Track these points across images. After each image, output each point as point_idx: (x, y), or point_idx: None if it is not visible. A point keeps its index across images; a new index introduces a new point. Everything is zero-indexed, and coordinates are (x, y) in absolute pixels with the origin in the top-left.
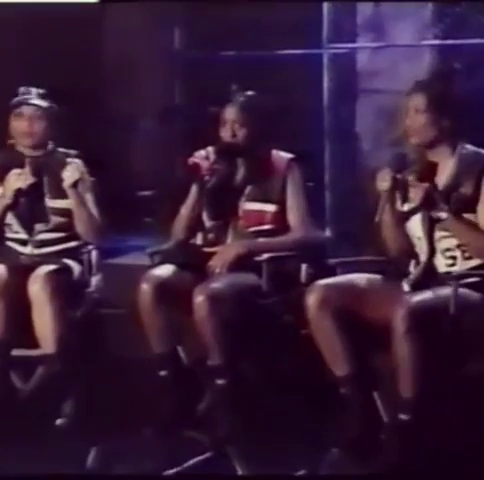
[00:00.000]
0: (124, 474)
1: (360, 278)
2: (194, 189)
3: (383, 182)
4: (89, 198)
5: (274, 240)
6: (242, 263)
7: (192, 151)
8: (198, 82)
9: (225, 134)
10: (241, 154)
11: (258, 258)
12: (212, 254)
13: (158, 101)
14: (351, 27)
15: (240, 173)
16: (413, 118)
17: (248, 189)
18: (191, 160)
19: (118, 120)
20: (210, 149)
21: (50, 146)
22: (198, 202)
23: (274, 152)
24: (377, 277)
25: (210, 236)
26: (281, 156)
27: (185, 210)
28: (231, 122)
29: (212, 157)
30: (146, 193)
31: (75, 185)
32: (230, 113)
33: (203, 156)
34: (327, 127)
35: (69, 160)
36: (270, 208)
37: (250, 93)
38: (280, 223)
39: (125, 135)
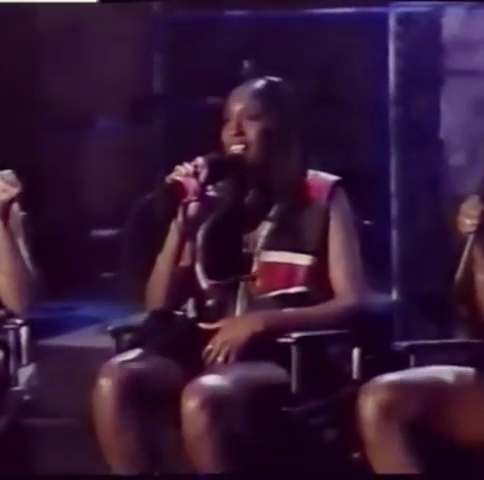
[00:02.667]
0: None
1: (444, 373)
2: (177, 227)
3: (470, 219)
4: (16, 241)
5: (309, 311)
6: (259, 347)
7: (177, 164)
8: (188, 59)
9: (229, 139)
10: (254, 172)
11: (284, 339)
12: (212, 332)
13: (125, 90)
14: None
15: (254, 204)
16: None
17: (268, 230)
18: (171, 178)
19: (63, 120)
20: (200, 161)
21: None
22: (189, 249)
23: (310, 172)
24: (471, 372)
25: (209, 304)
26: (320, 178)
27: (166, 261)
28: (239, 119)
29: (203, 173)
30: (104, 233)
31: None
32: (238, 105)
33: (189, 172)
34: (394, 130)
35: None
36: (303, 261)
37: (271, 78)
38: (318, 284)
39: (73, 142)
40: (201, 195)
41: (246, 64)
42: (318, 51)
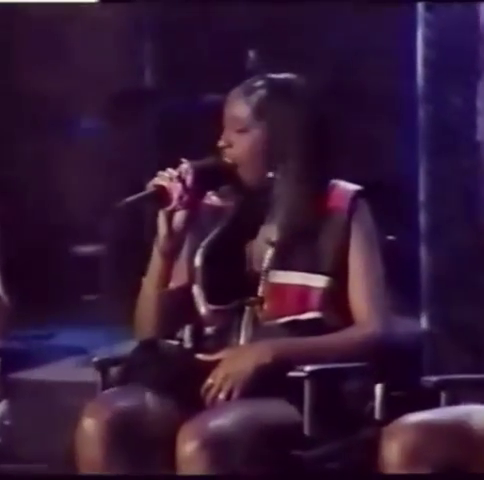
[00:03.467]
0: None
1: (479, 413)
2: (159, 240)
3: None
4: None
5: (324, 340)
6: (267, 381)
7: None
8: (183, 48)
9: (221, 150)
10: (250, 189)
11: (295, 372)
12: (212, 365)
13: (111, 84)
14: None
15: (260, 217)
16: None
17: (277, 248)
18: (154, 184)
19: (38, 117)
20: (185, 166)
21: None
22: (183, 267)
23: (333, 183)
24: None
25: (208, 332)
26: (339, 188)
27: (152, 283)
28: (228, 129)
29: (189, 179)
30: (86, 249)
31: None
32: (228, 112)
33: (172, 176)
34: (422, 131)
35: None
36: (318, 282)
37: (275, 75)
38: (335, 309)
39: (50, 143)
40: (188, 203)
41: (251, 55)
42: (334, 39)
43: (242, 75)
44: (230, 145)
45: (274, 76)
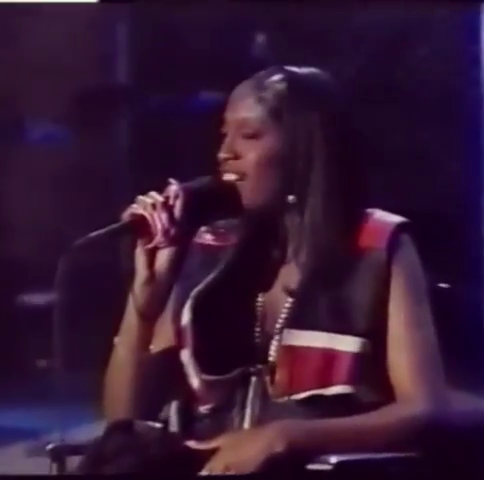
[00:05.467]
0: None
1: None
2: (135, 289)
3: None
4: None
5: (355, 422)
6: (279, 476)
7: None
8: (164, 37)
9: (223, 164)
10: (258, 213)
11: (317, 464)
12: (207, 454)
13: (74, 82)
14: None
15: (273, 258)
16: None
17: (297, 298)
18: (130, 213)
19: None
20: (174, 188)
21: None
22: (167, 324)
23: (367, 212)
24: None
25: (202, 410)
26: (377, 220)
27: (126, 346)
28: (233, 136)
29: (178, 206)
30: (39, 299)
31: None
32: (232, 113)
33: (156, 204)
34: None
35: None
36: (347, 345)
37: (293, 67)
38: (370, 381)
39: None
40: (176, 238)
41: (260, 40)
42: (374, 26)
43: (244, 67)
44: (236, 156)
45: (295, 68)
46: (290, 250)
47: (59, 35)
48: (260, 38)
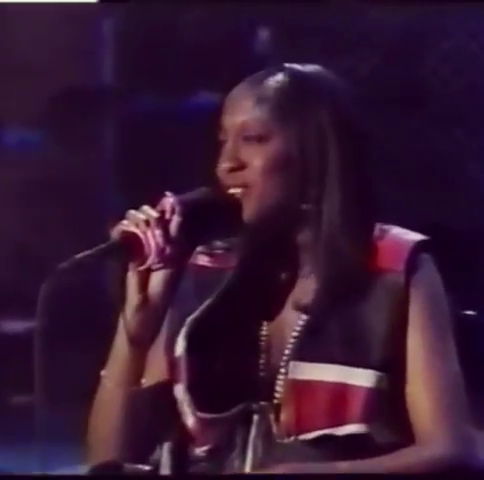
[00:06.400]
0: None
1: None
2: (126, 317)
3: None
4: None
5: (372, 465)
6: None
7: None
8: (153, 34)
9: (223, 175)
10: (265, 228)
11: None
12: None
13: (52, 83)
14: None
15: (284, 280)
16: None
17: (302, 327)
18: (121, 230)
19: None
20: (170, 201)
21: None
22: (160, 355)
23: (377, 227)
24: None
25: (198, 453)
26: (394, 237)
27: (115, 380)
28: (235, 142)
29: (175, 222)
30: (15, 327)
31: None
32: (232, 117)
33: (150, 220)
34: None
35: None
36: (361, 379)
37: (299, 66)
38: (386, 419)
39: None
40: (171, 258)
41: (258, 39)
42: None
43: (241, 67)
44: (240, 164)
45: (295, 65)
46: (302, 268)
47: (38, 35)
48: (259, 37)
